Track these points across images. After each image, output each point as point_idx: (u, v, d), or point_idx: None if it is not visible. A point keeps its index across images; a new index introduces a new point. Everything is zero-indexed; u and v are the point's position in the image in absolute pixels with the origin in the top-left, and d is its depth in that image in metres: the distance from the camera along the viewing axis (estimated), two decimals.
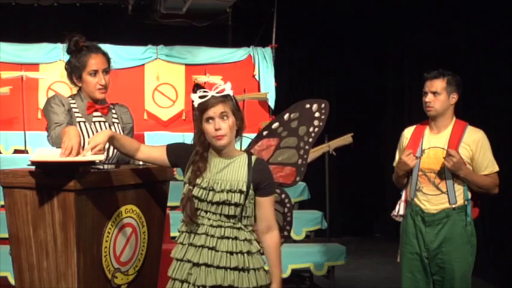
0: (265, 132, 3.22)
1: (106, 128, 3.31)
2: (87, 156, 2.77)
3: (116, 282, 2.97)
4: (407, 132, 4.04)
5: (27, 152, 6.75)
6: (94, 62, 3.26)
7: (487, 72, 6.73)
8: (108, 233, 2.89)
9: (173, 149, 2.97)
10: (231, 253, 2.81)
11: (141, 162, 3.23)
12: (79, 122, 3.24)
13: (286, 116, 3.21)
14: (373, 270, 7.09)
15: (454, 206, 3.80)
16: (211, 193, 2.83)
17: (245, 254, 2.83)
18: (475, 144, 3.81)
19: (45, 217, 2.75)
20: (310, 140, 3.22)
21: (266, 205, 2.90)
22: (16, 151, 6.97)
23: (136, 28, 8.25)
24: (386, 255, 7.43)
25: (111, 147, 3.27)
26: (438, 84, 3.85)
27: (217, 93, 2.82)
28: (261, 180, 2.86)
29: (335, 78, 9.14)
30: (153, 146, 3.04)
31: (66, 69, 3.33)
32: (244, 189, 2.82)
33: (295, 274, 6.09)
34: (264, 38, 8.21)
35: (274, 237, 2.92)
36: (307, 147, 3.22)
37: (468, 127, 3.87)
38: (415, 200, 3.89)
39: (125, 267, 3.01)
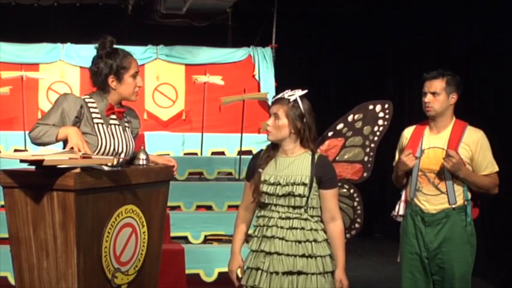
0: (330, 133, 3.50)
1: (120, 131, 3.23)
2: (95, 158, 2.80)
3: (116, 282, 2.97)
4: (407, 132, 4.04)
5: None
6: (135, 64, 3.29)
7: (487, 72, 6.73)
8: (108, 233, 2.89)
9: (250, 176, 3.29)
10: (299, 242, 3.13)
11: (141, 162, 3.23)
12: (97, 124, 3.15)
13: (350, 118, 3.50)
14: (373, 270, 7.08)
15: (453, 206, 3.80)
16: (278, 187, 3.15)
17: (312, 242, 3.14)
18: (475, 145, 3.80)
19: (45, 217, 2.75)
20: (376, 138, 3.52)
21: (329, 197, 3.20)
22: (16, 151, 6.96)
23: (136, 28, 8.24)
24: (386, 255, 7.41)
25: (123, 151, 3.23)
26: (437, 85, 3.84)
27: (288, 96, 3.21)
28: (323, 175, 3.18)
29: (335, 78, 9.12)
30: (245, 202, 3.32)
31: (100, 69, 3.18)
32: (307, 182, 3.13)
33: None
34: (264, 38, 8.20)
35: (338, 226, 3.23)
36: (372, 145, 3.51)
37: (468, 127, 3.86)
38: (415, 200, 3.89)
39: (125, 267, 3.02)
